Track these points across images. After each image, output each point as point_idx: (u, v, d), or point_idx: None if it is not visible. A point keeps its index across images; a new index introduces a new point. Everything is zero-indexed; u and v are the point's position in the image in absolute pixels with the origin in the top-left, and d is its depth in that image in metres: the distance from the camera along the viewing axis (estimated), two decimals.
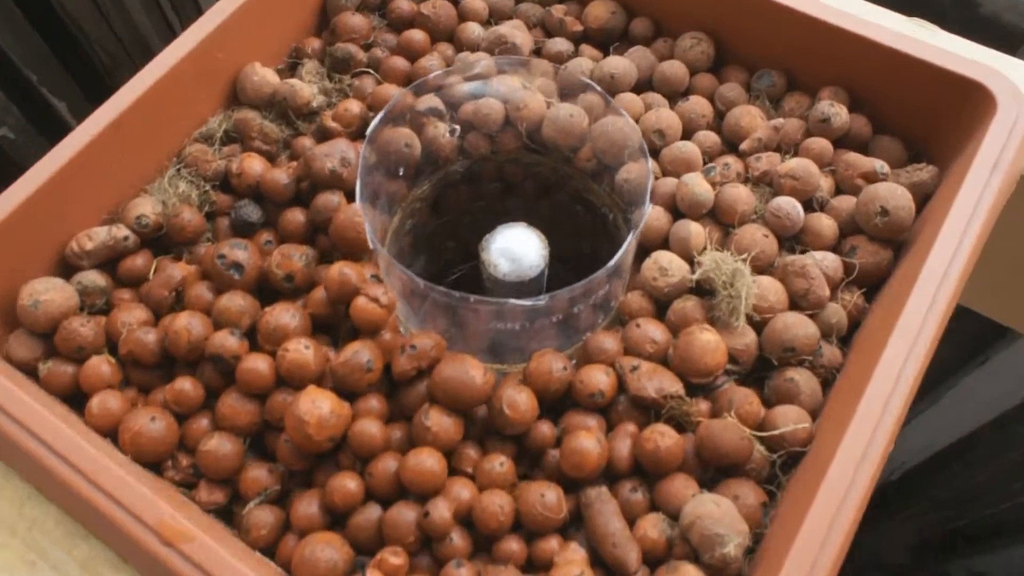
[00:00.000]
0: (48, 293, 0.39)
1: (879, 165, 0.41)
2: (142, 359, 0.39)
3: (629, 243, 0.36)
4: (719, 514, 0.33)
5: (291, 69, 0.49)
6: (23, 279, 0.40)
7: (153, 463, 0.37)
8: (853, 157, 0.42)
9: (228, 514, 0.38)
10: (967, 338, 1.05)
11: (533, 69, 0.44)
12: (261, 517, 0.36)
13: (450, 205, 0.47)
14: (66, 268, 0.42)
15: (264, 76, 0.45)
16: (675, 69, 0.45)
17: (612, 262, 0.35)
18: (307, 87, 0.45)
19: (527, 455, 0.38)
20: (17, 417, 0.34)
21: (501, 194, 0.47)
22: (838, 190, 0.42)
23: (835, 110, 0.42)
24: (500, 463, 0.36)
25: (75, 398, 0.39)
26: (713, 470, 0.36)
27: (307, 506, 0.36)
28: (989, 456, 1.22)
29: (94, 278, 0.41)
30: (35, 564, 0.35)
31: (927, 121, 0.43)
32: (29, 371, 0.39)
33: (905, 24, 0.49)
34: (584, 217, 0.46)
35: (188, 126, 0.45)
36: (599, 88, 0.40)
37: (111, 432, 0.38)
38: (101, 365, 0.39)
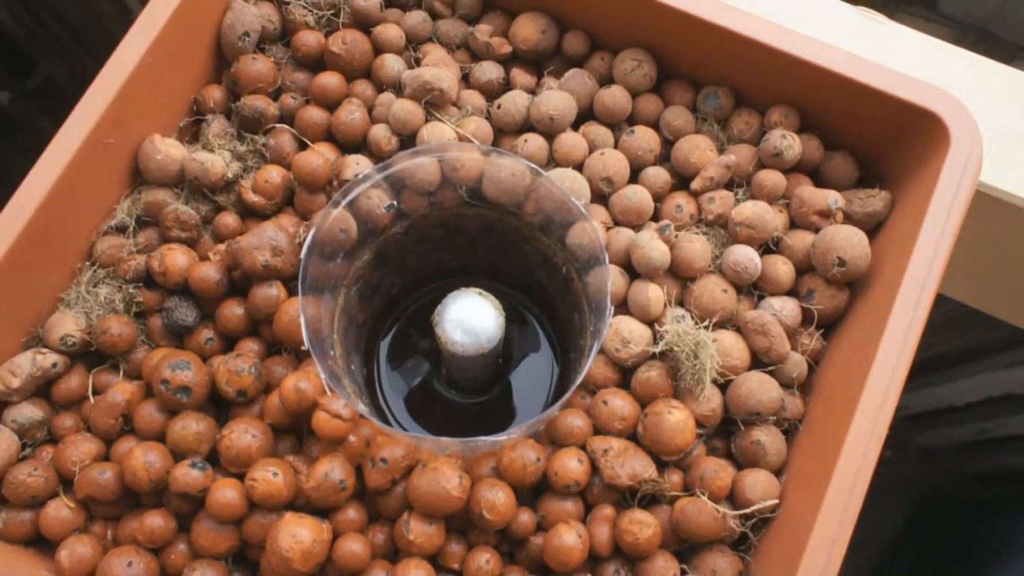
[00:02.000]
0: None
1: (832, 200, 0.40)
2: (103, 499, 0.37)
3: (594, 353, 0.35)
4: None
5: (194, 125, 0.44)
6: None
7: None
8: (807, 193, 0.40)
9: None
10: None
11: (464, 105, 0.40)
12: None
13: (391, 258, 0.44)
14: None
15: (167, 152, 0.41)
16: (617, 98, 0.42)
17: (565, 397, 0.35)
18: (218, 159, 0.41)
19: (509, 540, 0.38)
20: None
21: (445, 237, 0.45)
22: (792, 223, 0.41)
23: (787, 143, 0.40)
24: (486, 560, 0.37)
25: (38, 540, 0.38)
26: (690, 543, 0.37)
27: None
28: None
29: (29, 413, 0.39)
30: None
31: (879, 141, 0.42)
32: None
33: (856, 17, 0.46)
34: (533, 256, 0.45)
35: (94, 219, 0.41)
36: (536, 168, 0.37)
37: None
38: (60, 510, 0.38)
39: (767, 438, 0.38)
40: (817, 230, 0.40)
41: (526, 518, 0.38)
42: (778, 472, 0.39)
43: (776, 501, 0.37)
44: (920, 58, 0.46)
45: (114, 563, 0.36)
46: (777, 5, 0.46)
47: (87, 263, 0.41)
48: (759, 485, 0.37)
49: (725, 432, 0.40)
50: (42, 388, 0.39)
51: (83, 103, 0.39)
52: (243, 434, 0.37)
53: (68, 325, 0.39)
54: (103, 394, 0.39)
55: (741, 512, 0.37)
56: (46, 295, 0.40)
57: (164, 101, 0.42)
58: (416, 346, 0.49)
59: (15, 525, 0.37)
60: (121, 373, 0.40)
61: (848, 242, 0.38)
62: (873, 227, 0.41)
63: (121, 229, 0.41)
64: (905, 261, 0.37)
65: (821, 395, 0.39)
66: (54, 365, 0.39)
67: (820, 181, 0.43)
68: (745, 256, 0.39)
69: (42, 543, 0.38)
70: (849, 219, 0.41)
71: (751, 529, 0.38)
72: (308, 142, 0.42)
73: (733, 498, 0.38)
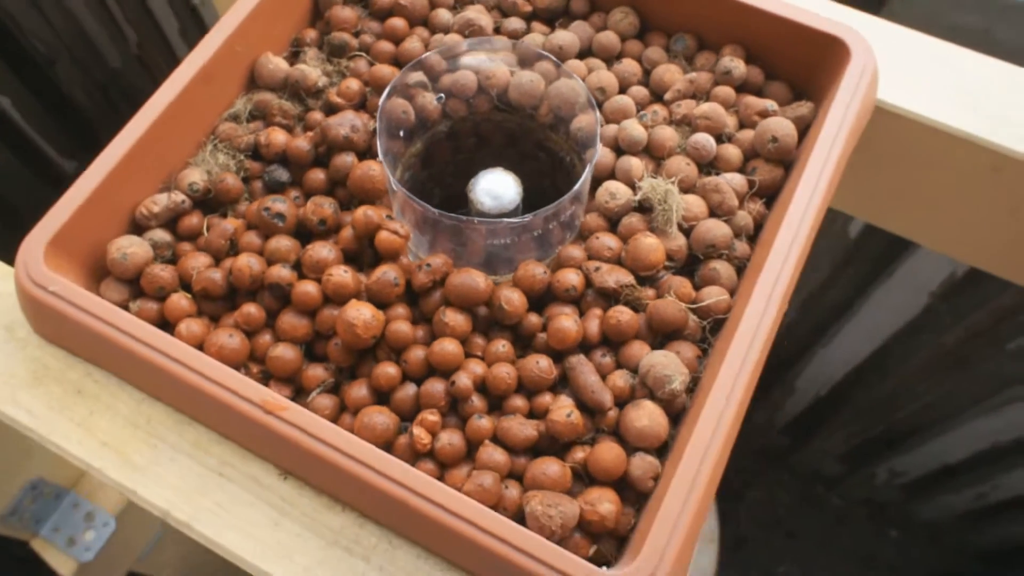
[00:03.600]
0: (132, 247, 0.49)
1: (770, 105, 0.54)
2: (213, 293, 0.49)
3: (587, 175, 0.48)
4: (666, 362, 0.45)
5: (294, 56, 0.59)
6: (106, 240, 0.50)
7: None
8: (751, 100, 0.54)
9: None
10: (875, 254, 1.20)
11: (496, 45, 0.55)
12: (323, 402, 0.48)
13: (436, 158, 0.58)
14: (137, 228, 0.52)
15: (277, 64, 0.55)
16: (609, 38, 0.57)
17: (575, 188, 0.47)
18: (313, 71, 0.56)
19: (521, 340, 0.49)
20: (137, 336, 0.44)
21: (477, 147, 0.59)
22: (741, 125, 0.55)
23: (734, 64, 0.55)
24: (502, 345, 0.48)
25: (162, 326, 0.50)
26: (661, 337, 0.48)
27: (358, 390, 0.47)
28: (900, 363, 1.38)
29: (162, 235, 0.51)
30: (157, 446, 0.46)
31: (803, 68, 0.56)
32: (123, 309, 0.49)
33: None
34: (545, 161, 0.58)
35: (219, 108, 0.55)
36: (552, 57, 0.52)
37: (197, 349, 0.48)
38: (181, 300, 0.49)
39: (721, 267, 0.50)
40: None
41: (534, 319, 0.49)
42: (730, 294, 0.50)
43: (726, 298, 0.48)
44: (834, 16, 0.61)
45: (219, 334, 0.48)
46: None
47: (211, 138, 0.55)
48: (714, 291, 0.48)
49: (690, 272, 0.52)
50: (171, 222, 0.52)
51: (221, 21, 0.54)
52: (321, 248, 0.50)
53: (195, 176, 0.52)
54: (216, 225, 0.52)
55: (698, 305, 0.48)
56: (179, 159, 0.54)
57: (275, 34, 0.57)
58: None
59: (146, 311, 0.49)
60: (229, 218, 0.53)
61: (779, 125, 0.52)
62: (803, 130, 0.54)
63: (236, 118, 0.55)
64: (812, 144, 0.50)
65: (761, 244, 0.51)
66: (183, 202, 0.52)
67: None
68: (703, 138, 0.53)
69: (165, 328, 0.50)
70: None
71: (709, 330, 0.49)
72: (379, 64, 0.57)
73: (695, 304, 0.49)
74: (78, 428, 0.46)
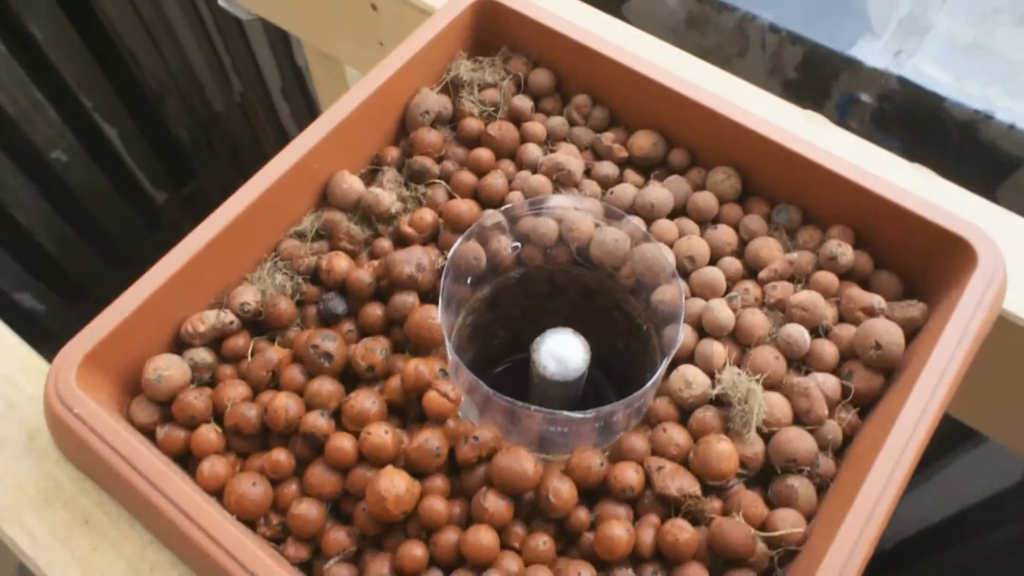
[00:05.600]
0: (169, 369, 0.46)
1: (876, 301, 0.48)
2: (244, 430, 0.46)
3: (664, 366, 0.43)
4: None
5: (371, 174, 0.56)
6: (146, 355, 0.47)
7: (250, 521, 0.45)
8: (856, 292, 0.49)
9: (309, 568, 0.45)
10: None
11: (583, 201, 0.51)
12: (340, 573, 0.43)
13: (503, 302, 0.54)
14: (179, 344, 0.49)
15: (352, 184, 0.53)
16: (706, 200, 0.53)
17: (648, 384, 0.43)
18: (387, 195, 0.53)
19: (565, 535, 0.45)
20: (151, 478, 0.41)
21: (549, 295, 0.55)
22: (841, 318, 0.49)
23: (842, 250, 0.49)
24: (543, 542, 0.43)
25: (183, 459, 0.47)
26: (722, 562, 0.43)
27: (379, 567, 0.43)
28: (980, 532, 1.28)
29: (204, 355, 0.48)
30: None
31: (919, 262, 0.50)
32: (148, 433, 0.47)
33: (908, 170, 0.56)
34: (621, 322, 0.53)
35: (285, 224, 0.53)
36: (641, 223, 0.47)
37: (217, 492, 0.45)
38: (210, 433, 0.46)
39: (800, 484, 0.44)
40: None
41: (583, 515, 0.44)
42: (807, 519, 0.44)
43: (802, 531, 0.42)
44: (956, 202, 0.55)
45: (242, 480, 0.44)
46: (842, 149, 0.57)
47: (272, 255, 0.52)
48: (789, 518, 0.43)
49: (764, 482, 0.46)
50: (216, 342, 0.49)
51: (299, 138, 0.51)
52: (365, 399, 0.46)
53: (248, 295, 0.50)
54: (260, 351, 0.49)
55: (770, 534, 0.42)
56: (237, 274, 0.51)
57: (357, 150, 0.55)
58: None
59: (172, 439, 0.46)
60: (277, 344, 0.50)
61: (885, 330, 0.46)
62: (910, 333, 0.48)
63: (301, 236, 0.53)
64: (926, 355, 0.44)
65: (852, 462, 0.46)
66: (231, 323, 0.49)
67: (869, 291, 0.51)
68: (797, 331, 0.47)
69: (186, 463, 0.46)
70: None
71: (778, 562, 0.43)
72: (457, 196, 0.54)
73: (765, 530, 0.43)
74: (78, 565, 0.43)
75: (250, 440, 0.47)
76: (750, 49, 0.79)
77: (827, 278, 0.50)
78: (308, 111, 1.58)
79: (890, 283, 0.51)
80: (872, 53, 0.73)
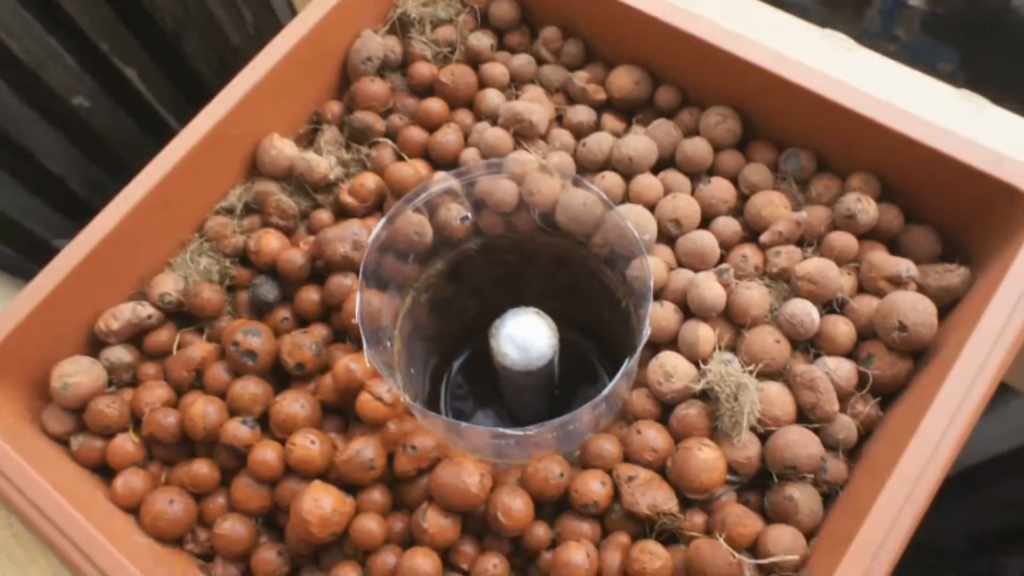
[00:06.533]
0: (76, 376, 0.41)
1: (904, 268, 0.39)
2: (163, 439, 0.41)
3: (635, 359, 0.36)
4: None
5: (312, 133, 0.49)
6: (57, 356, 0.42)
7: (173, 539, 0.40)
8: (878, 258, 0.40)
9: None
10: None
11: (553, 142, 0.43)
12: None
13: (466, 275, 0.47)
14: (95, 343, 0.44)
15: (281, 150, 0.46)
16: (698, 149, 0.44)
17: (615, 379, 0.35)
18: (323, 161, 0.45)
19: (522, 553, 0.38)
20: (45, 511, 0.36)
21: (519, 264, 0.47)
22: (860, 288, 0.41)
23: (862, 206, 0.40)
24: (494, 564, 0.37)
25: (104, 469, 0.42)
26: None
27: None
28: None
29: (120, 354, 0.43)
30: None
31: (961, 217, 0.41)
32: (63, 443, 0.42)
33: (954, 97, 0.46)
34: (600, 292, 0.46)
35: (210, 199, 0.46)
36: (600, 193, 0.39)
37: (135, 509, 0.40)
38: (126, 444, 0.41)
39: (801, 495, 0.37)
40: None
41: (541, 532, 0.38)
42: (809, 534, 0.37)
43: (798, 557, 0.35)
44: (1012, 139, 0.45)
45: (159, 498, 0.39)
46: (867, 76, 0.47)
47: (196, 235, 0.46)
48: (784, 540, 0.35)
49: (761, 487, 0.39)
50: (136, 337, 0.44)
51: (219, 97, 0.45)
52: (293, 403, 0.40)
53: (167, 284, 0.44)
54: (184, 347, 0.43)
55: (758, 562, 0.35)
56: (157, 258, 0.45)
57: (289, 107, 0.48)
58: (484, 378, 0.50)
59: (87, 450, 0.41)
60: (205, 336, 0.44)
61: (912, 307, 0.37)
62: (948, 304, 0.40)
63: (230, 212, 0.46)
64: (967, 335, 0.36)
65: (869, 465, 0.38)
66: (149, 317, 0.43)
67: (899, 252, 0.42)
68: (802, 310, 0.39)
69: (106, 472, 0.42)
70: (922, 291, 0.39)
71: None
72: (405, 157, 0.46)
73: (756, 551, 0.36)
74: None
75: (172, 448, 0.42)
76: None
77: (843, 240, 0.41)
78: None
79: (924, 241, 0.41)
80: None
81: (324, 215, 0.45)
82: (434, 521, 0.37)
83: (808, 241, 0.42)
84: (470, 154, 0.45)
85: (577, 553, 0.36)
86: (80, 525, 0.36)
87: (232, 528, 0.39)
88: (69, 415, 0.42)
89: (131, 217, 0.43)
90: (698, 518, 0.37)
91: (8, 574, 0.39)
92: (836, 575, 0.32)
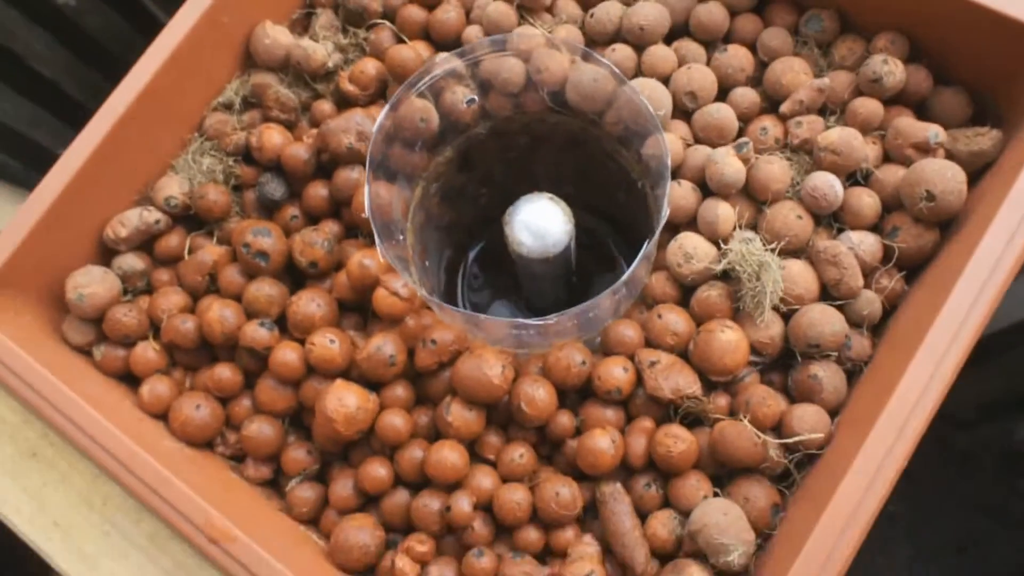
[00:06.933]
0: (90, 286, 0.41)
1: (932, 134, 0.37)
2: (183, 345, 0.41)
3: (653, 242, 0.35)
4: (725, 524, 0.34)
5: (306, 18, 0.46)
6: (69, 266, 0.42)
7: (203, 443, 0.41)
8: (905, 124, 0.38)
9: (275, 484, 0.41)
10: None
11: (559, 14, 0.41)
12: (302, 496, 0.40)
13: (476, 161, 0.45)
14: (106, 252, 0.43)
15: (275, 38, 0.43)
16: (713, 14, 0.41)
17: (633, 265, 0.34)
18: (320, 48, 0.43)
19: (548, 442, 0.39)
20: (71, 416, 0.36)
21: (530, 148, 0.46)
22: (886, 158, 0.39)
23: (888, 68, 0.38)
24: (520, 455, 0.38)
25: (129, 377, 0.42)
26: (727, 469, 0.37)
27: (342, 488, 0.39)
28: None
29: (132, 262, 0.43)
30: (110, 533, 0.40)
31: (997, 73, 0.38)
32: (86, 353, 0.42)
33: None
34: (616, 173, 0.44)
35: (206, 95, 0.44)
36: (613, 68, 0.37)
37: (163, 415, 0.41)
38: (147, 351, 0.41)
39: (825, 374, 0.36)
40: None
41: (565, 420, 0.38)
42: (833, 412, 0.37)
43: (822, 436, 0.35)
44: None
45: (185, 403, 0.40)
46: None
47: (196, 134, 0.44)
48: (808, 418, 0.36)
49: (785, 367, 0.39)
50: (146, 243, 0.43)
51: None
52: (309, 302, 0.40)
53: (172, 188, 0.43)
54: (194, 253, 0.43)
55: (783, 441, 0.35)
56: (159, 160, 0.44)
57: None
58: (500, 268, 0.49)
59: (110, 359, 0.42)
60: (215, 239, 0.44)
61: (940, 175, 0.36)
62: (979, 169, 0.38)
63: (228, 107, 0.44)
64: (998, 202, 0.34)
65: (894, 341, 0.37)
66: (157, 222, 0.43)
67: (927, 116, 0.40)
68: (825, 182, 0.38)
69: (131, 380, 0.42)
70: (952, 157, 0.38)
71: (795, 466, 0.36)
72: (405, 38, 0.44)
73: (780, 431, 0.36)
74: (31, 501, 0.40)
75: (193, 354, 0.42)
76: None
77: (868, 106, 0.39)
78: None
79: (954, 104, 0.39)
80: None
81: (326, 105, 0.44)
82: (458, 414, 0.37)
83: (831, 109, 0.40)
84: (473, 32, 0.43)
85: (602, 439, 0.36)
86: (113, 435, 0.36)
87: (259, 430, 0.40)
88: (89, 325, 0.42)
89: (127, 118, 0.41)
90: (722, 400, 0.37)
91: (49, 485, 0.40)
92: (862, 452, 0.32)
